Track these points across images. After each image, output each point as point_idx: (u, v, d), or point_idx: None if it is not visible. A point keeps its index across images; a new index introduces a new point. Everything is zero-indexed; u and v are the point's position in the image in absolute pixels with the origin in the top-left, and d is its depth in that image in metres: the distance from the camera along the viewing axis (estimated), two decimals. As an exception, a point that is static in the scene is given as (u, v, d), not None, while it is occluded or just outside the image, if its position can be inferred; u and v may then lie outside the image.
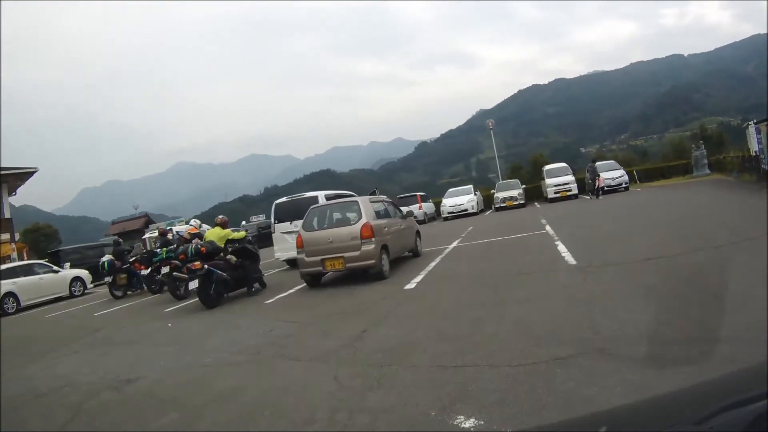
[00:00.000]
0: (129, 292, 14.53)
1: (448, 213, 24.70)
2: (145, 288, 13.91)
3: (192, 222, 12.02)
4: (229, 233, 10.54)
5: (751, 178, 16.96)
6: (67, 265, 22.87)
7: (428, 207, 27.27)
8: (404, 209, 11.96)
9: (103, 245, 26.46)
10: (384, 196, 11.99)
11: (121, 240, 18.97)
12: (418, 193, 27.37)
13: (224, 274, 9.51)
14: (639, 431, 1.02)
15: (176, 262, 10.29)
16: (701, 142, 25.90)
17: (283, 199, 13.75)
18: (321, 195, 12.77)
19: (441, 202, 26.41)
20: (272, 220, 13.54)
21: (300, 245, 9.29)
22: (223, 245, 10.24)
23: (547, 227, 12.79)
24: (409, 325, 5.59)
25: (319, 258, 9.01)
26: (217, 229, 10.50)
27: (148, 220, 52.75)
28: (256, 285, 10.39)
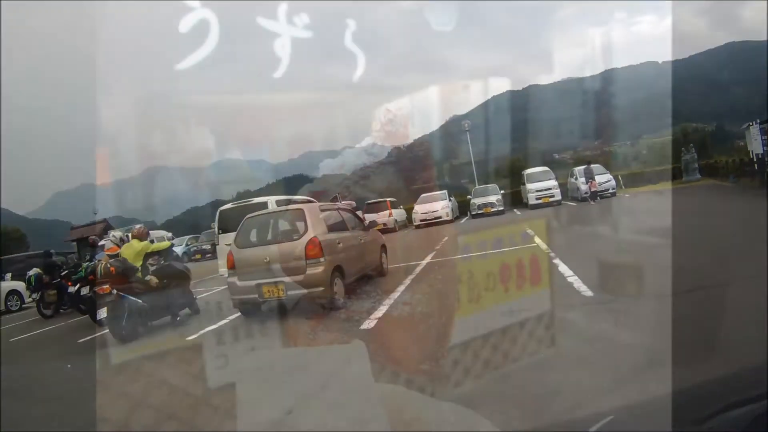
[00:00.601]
0: (61, 310, 12.53)
1: (421, 221, 22.80)
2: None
3: (111, 237, 9.73)
4: (148, 246, 8.53)
5: (753, 182, 15.64)
6: (8, 276, 20.75)
7: (399, 214, 25.19)
8: (371, 216, 10.02)
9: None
10: (342, 203, 10.03)
11: (52, 251, 16.83)
12: (388, 199, 25.18)
13: (139, 301, 7.61)
14: (639, 431, 1.06)
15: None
16: (691, 145, 24.73)
17: (229, 205, 11.69)
18: (271, 200, 10.79)
19: (413, 208, 24.56)
20: (216, 229, 11.55)
21: (231, 265, 7.23)
22: (140, 263, 8.22)
23: (537, 239, 10.97)
24: (358, 407, 3.57)
25: (254, 282, 6.94)
26: (134, 243, 8.43)
27: (106, 226, 49.69)
28: (186, 310, 8.43)
